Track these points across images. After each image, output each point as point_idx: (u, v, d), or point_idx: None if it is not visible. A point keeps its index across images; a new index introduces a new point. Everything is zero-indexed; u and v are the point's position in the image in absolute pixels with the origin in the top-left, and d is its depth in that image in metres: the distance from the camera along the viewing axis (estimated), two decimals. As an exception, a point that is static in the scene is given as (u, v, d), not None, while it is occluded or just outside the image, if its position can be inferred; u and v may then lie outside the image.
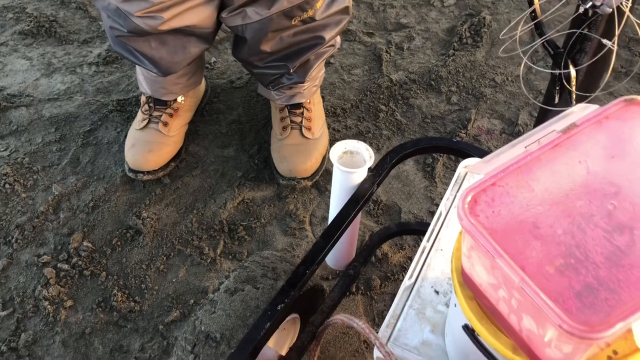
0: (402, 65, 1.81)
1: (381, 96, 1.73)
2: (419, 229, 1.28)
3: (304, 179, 1.51)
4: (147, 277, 1.39)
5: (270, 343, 1.18)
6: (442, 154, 1.61)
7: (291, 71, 1.40)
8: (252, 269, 1.06)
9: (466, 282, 0.66)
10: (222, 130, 1.66)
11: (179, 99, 1.56)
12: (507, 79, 1.76)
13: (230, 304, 1.00)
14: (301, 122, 1.53)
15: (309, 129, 1.53)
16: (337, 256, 1.22)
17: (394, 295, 1.16)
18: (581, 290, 0.52)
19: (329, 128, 1.63)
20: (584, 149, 0.60)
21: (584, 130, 0.61)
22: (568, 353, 0.54)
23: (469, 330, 0.65)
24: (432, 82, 1.76)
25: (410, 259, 1.40)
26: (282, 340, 1.20)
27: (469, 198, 0.58)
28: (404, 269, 1.39)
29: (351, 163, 1.06)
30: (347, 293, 1.37)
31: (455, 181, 1.00)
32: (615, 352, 0.63)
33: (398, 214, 1.51)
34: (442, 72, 1.78)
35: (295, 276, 0.95)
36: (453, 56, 1.81)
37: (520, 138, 0.63)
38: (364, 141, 1.61)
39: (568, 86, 0.88)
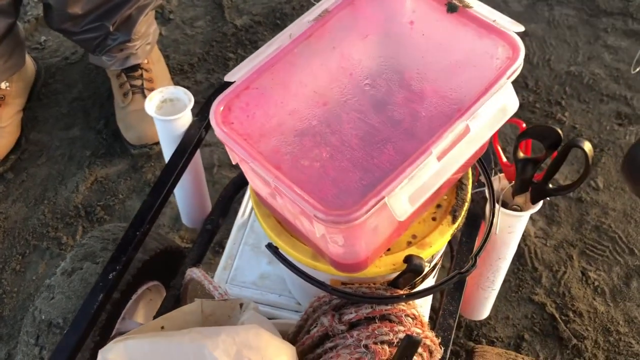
0: (245, 9, 1.74)
1: (228, 44, 1.66)
2: (273, 169, 1.24)
3: (156, 143, 1.43)
4: (3, 281, 1.28)
5: (139, 317, 1.12)
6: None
7: (112, 30, 1.30)
8: (90, 245, 0.99)
9: (260, 200, 0.62)
10: (64, 111, 1.54)
11: (2, 85, 1.42)
12: (352, 4, 1.73)
13: (69, 285, 0.93)
14: (142, 85, 1.44)
15: (151, 90, 1.44)
16: (190, 213, 1.16)
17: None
18: (336, 176, 0.49)
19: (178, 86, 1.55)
20: (337, 33, 0.57)
21: (336, 14, 0.58)
22: (345, 244, 0.51)
23: (272, 248, 0.61)
24: (278, 21, 1.70)
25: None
26: (150, 312, 1.14)
27: (221, 107, 0.53)
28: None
29: (172, 111, 1.00)
30: (219, 250, 1.33)
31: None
32: (414, 236, 0.62)
33: (262, 160, 1.47)
34: (286, 8, 1.73)
35: (125, 241, 0.88)
36: (295, -9, 1.76)
37: (276, 37, 0.58)
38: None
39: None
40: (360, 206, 0.46)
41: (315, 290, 0.68)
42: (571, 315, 1.21)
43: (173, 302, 1.02)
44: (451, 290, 0.81)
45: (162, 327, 0.66)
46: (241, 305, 0.69)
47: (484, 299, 0.98)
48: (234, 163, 0.56)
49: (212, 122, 0.52)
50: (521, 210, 0.84)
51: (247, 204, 0.88)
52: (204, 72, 1.61)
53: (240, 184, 1.23)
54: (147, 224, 0.90)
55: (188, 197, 1.12)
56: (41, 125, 1.52)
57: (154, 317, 1.01)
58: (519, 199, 0.85)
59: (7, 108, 1.43)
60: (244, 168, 0.55)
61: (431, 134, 0.49)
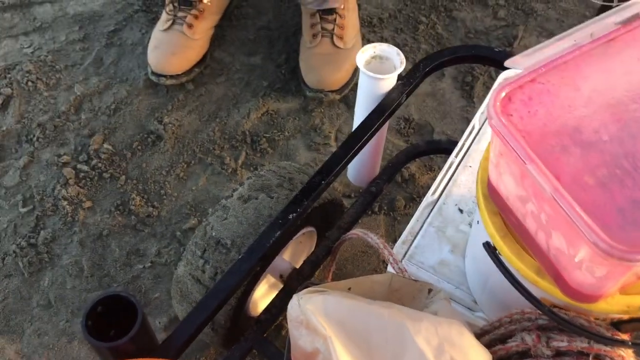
0: (448, -26, 1.66)
1: (422, 6, 1.60)
2: (450, 149, 1.19)
3: (332, 91, 1.43)
4: (166, 183, 1.36)
5: (286, 255, 1.14)
6: (483, 73, 1.49)
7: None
8: (268, 178, 1.01)
9: (491, 195, 0.59)
10: (250, 37, 1.58)
11: (205, -1, 1.47)
12: (563, -7, 1.60)
13: (243, 211, 0.96)
14: (333, 29, 1.43)
15: (340, 37, 1.43)
16: (359, 171, 1.15)
17: (417, 215, 1.10)
18: (625, 206, 0.44)
19: (363, 39, 1.53)
20: (647, 44, 0.51)
21: (649, 22, 0.51)
22: (601, 277, 0.47)
23: (490, 248, 0.58)
24: (480, -4, 1.61)
25: (439, 181, 1.32)
26: (297, 253, 1.16)
27: (502, 94, 0.49)
28: (431, 191, 1.32)
29: (380, 69, 0.97)
30: (369, 212, 1.32)
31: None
32: (654, 282, 0.56)
33: (430, 134, 1.42)
34: (492, -17, 1.63)
35: (310, 186, 0.89)
36: (505, -34, 1.65)
37: (569, 30, 0.53)
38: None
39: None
40: (651, 247, 0.41)
41: (507, 300, 0.65)
42: None
43: (325, 252, 1.03)
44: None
45: (349, 289, 0.66)
46: (430, 290, 0.67)
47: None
48: (493, 154, 0.53)
49: (491, 110, 0.49)
50: None
51: (439, 183, 0.85)
52: (391, 29, 1.57)
53: (412, 154, 1.21)
54: (333, 175, 0.90)
55: (364, 155, 1.11)
56: (227, 45, 1.57)
57: (304, 262, 1.03)
58: None
59: (203, 22, 1.48)
60: (504, 162, 0.52)
61: None
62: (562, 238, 0.48)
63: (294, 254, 1.16)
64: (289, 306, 0.61)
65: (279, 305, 0.98)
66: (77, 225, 1.30)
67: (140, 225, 1.31)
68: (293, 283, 1.00)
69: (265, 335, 0.99)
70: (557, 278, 0.53)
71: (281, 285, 1.03)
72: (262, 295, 1.14)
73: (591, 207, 0.44)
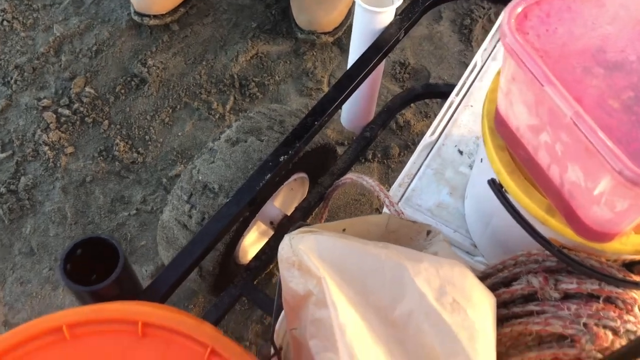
0: None
1: (420, -55, 1.51)
2: (448, 92, 1.14)
3: (324, 33, 1.36)
4: (151, 128, 1.30)
5: (277, 202, 1.10)
6: (482, 15, 1.42)
7: None
8: (257, 120, 0.96)
9: (499, 129, 0.54)
10: (238, -25, 1.49)
11: None
12: None
13: (231, 154, 0.91)
14: (326, -33, 1.35)
15: (334, -24, 1.35)
16: (353, 115, 1.10)
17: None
18: (653, 131, 0.40)
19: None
20: (681, -44, 0.45)
21: None
22: (621, 212, 0.43)
23: (495, 185, 0.54)
24: None
25: (435, 128, 1.27)
26: (289, 200, 1.12)
27: (518, 10, 0.44)
28: (427, 138, 1.27)
29: (376, 3, 0.91)
30: (363, 160, 1.28)
31: (498, 28, 0.85)
32: (671, 221, 0.52)
33: (427, 79, 1.37)
34: None
35: (302, 127, 0.84)
36: None
37: (594, -59, 0.47)
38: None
39: None
40: (682, 175, 0.37)
41: (510, 242, 0.61)
42: None
43: (317, 199, 0.99)
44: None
45: (344, 230, 0.62)
46: (428, 232, 0.63)
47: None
48: (504, 80, 0.48)
49: (504, 26, 0.44)
50: None
51: (438, 124, 0.80)
52: (387, -31, 1.49)
53: (408, 99, 1.16)
54: (326, 115, 0.85)
55: (359, 98, 1.06)
56: (214, -16, 1.48)
57: (296, 208, 0.99)
58: None
59: (189, -42, 1.40)
60: (516, 89, 0.47)
61: None
62: (579, 170, 0.44)
63: (285, 201, 1.12)
64: (280, 247, 0.57)
65: (269, 252, 0.95)
66: (59, 172, 1.25)
67: (125, 171, 1.26)
68: (284, 230, 0.96)
69: (255, 282, 0.96)
70: (570, 216, 0.49)
71: (272, 233, 0.99)
72: (252, 243, 1.11)
73: (616, 133, 0.39)
